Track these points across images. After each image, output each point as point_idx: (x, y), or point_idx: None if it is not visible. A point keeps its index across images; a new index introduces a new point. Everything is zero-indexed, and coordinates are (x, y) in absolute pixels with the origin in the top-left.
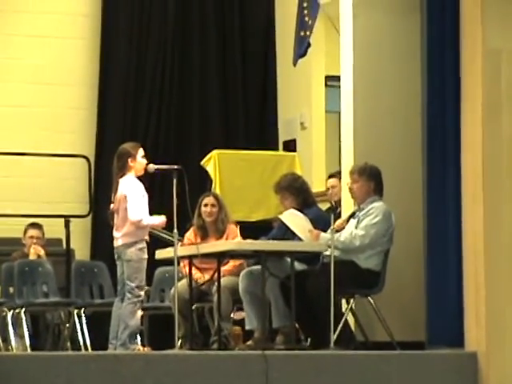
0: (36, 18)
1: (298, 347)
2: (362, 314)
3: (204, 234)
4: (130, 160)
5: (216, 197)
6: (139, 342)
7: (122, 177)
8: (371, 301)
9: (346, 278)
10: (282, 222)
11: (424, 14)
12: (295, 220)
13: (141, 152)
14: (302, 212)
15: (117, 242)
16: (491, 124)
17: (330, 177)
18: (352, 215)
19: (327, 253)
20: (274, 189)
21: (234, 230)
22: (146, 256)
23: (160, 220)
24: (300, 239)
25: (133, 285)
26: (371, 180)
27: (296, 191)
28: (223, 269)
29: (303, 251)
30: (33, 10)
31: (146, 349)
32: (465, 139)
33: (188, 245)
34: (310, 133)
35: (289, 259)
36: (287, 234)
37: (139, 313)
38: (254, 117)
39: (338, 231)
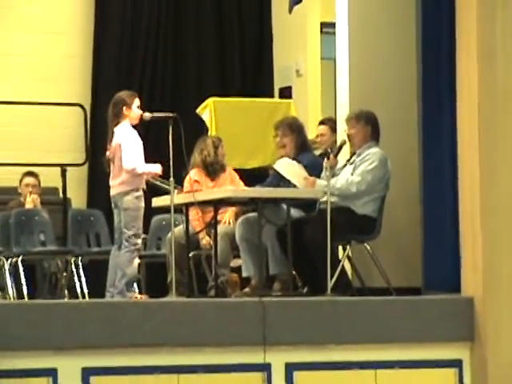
0: None
1: (295, 294)
2: (358, 261)
3: (213, 172)
4: (125, 108)
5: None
6: (136, 290)
7: (116, 125)
8: (367, 247)
9: (343, 224)
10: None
11: None
12: (289, 168)
13: (136, 102)
14: (297, 157)
15: (113, 191)
16: (486, 71)
17: (321, 123)
18: (339, 150)
19: (324, 199)
20: (276, 124)
21: (232, 172)
22: (143, 204)
23: (156, 168)
24: (296, 187)
25: (130, 233)
26: (368, 125)
27: (297, 131)
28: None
29: (299, 198)
30: None
31: (142, 297)
32: (460, 85)
33: (189, 191)
34: (305, 80)
35: (285, 206)
36: (283, 181)
37: (136, 261)
38: (249, 64)
39: (331, 168)
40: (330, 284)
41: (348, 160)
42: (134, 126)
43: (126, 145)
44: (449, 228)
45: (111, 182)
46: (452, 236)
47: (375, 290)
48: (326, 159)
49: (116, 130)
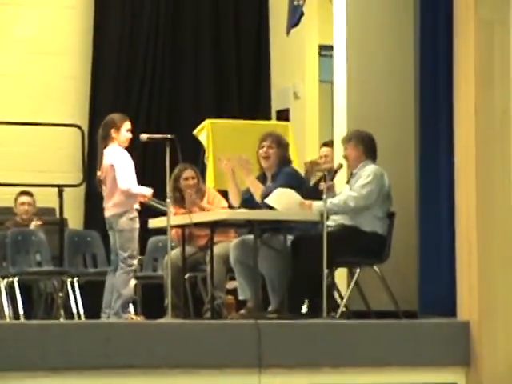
0: None
1: (291, 316)
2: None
3: (183, 207)
4: (112, 131)
5: (194, 169)
6: (132, 311)
7: (105, 147)
8: (377, 270)
9: (349, 243)
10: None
11: None
12: (283, 199)
13: (126, 125)
14: (279, 169)
15: (107, 213)
16: (484, 95)
17: (324, 145)
18: (334, 173)
19: (330, 222)
20: (263, 136)
21: (212, 192)
22: (137, 225)
23: (147, 190)
24: None
25: (125, 254)
26: (359, 145)
27: (283, 146)
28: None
29: (298, 220)
30: None
31: (138, 318)
32: (458, 110)
33: (181, 214)
34: (303, 102)
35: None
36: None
37: (132, 282)
38: (247, 86)
39: (328, 189)
40: (325, 307)
41: (347, 182)
42: (129, 148)
43: (119, 165)
44: (445, 252)
45: (105, 204)
46: (448, 260)
47: (372, 313)
48: (322, 182)
49: (105, 151)
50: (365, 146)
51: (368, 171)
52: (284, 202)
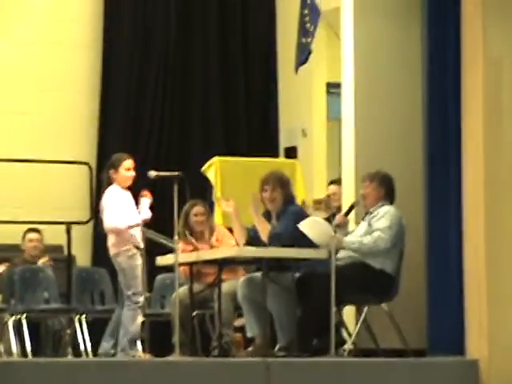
0: (37, 24)
1: (300, 354)
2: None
3: (191, 243)
4: (111, 172)
5: (204, 205)
6: (140, 349)
7: (107, 187)
8: (385, 308)
9: (359, 280)
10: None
11: (425, 21)
12: (316, 227)
13: (126, 164)
14: (284, 208)
15: (110, 252)
16: (492, 131)
17: (332, 183)
18: (350, 210)
19: (340, 255)
20: (265, 179)
21: (221, 230)
22: (138, 262)
23: (137, 218)
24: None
25: (129, 292)
26: (382, 186)
27: (286, 185)
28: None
29: (308, 258)
30: (34, 16)
31: (146, 355)
32: (466, 147)
33: (190, 251)
34: (311, 140)
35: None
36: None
37: (139, 319)
38: (255, 124)
39: (338, 226)
40: (332, 344)
41: (362, 219)
42: (134, 186)
43: (107, 207)
44: (453, 290)
45: (107, 243)
46: (457, 298)
47: (380, 351)
48: (336, 218)
49: (105, 192)
50: (387, 188)
51: (389, 213)
52: (317, 230)
